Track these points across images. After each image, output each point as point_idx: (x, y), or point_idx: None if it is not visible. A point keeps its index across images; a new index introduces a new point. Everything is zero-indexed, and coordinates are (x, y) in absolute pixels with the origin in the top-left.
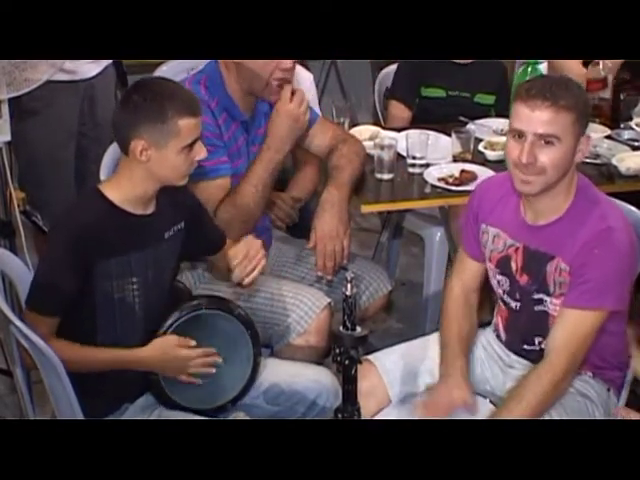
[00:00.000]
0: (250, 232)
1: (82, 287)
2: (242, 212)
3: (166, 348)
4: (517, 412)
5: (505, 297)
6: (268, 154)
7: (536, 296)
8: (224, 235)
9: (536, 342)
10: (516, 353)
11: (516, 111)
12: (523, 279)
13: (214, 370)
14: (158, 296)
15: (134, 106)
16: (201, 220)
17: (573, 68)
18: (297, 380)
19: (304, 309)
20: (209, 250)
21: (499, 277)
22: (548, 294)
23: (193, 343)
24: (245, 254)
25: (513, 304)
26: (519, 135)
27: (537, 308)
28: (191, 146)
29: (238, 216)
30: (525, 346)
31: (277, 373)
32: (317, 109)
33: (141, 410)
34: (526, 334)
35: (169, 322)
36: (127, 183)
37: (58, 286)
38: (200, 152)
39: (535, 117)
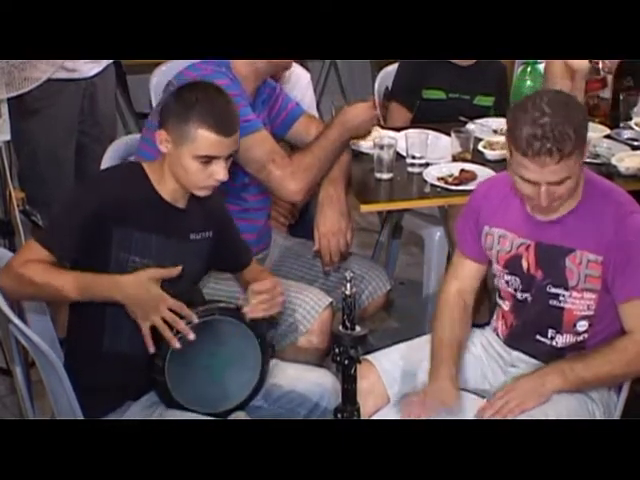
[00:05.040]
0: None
1: (99, 254)
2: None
3: (143, 279)
4: (602, 370)
5: (518, 294)
6: (334, 128)
7: (552, 290)
8: (250, 254)
9: (549, 334)
10: (521, 349)
11: (522, 164)
12: (538, 274)
13: (189, 335)
14: (171, 290)
15: (175, 100)
16: (229, 234)
17: (562, 66)
18: (299, 382)
19: (306, 308)
20: (234, 266)
21: (508, 277)
22: (566, 288)
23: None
24: (266, 291)
25: (527, 298)
26: (530, 181)
27: (552, 302)
28: (209, 160)
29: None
30: (537, 336)
31: (279, 375)
32: (314, 108)
33: (143, 408)
34: (538, 325)
35: (179, 335)
36: (161, 170)
37: (69, 229)
38: (219, 173)
39: (546, 172)
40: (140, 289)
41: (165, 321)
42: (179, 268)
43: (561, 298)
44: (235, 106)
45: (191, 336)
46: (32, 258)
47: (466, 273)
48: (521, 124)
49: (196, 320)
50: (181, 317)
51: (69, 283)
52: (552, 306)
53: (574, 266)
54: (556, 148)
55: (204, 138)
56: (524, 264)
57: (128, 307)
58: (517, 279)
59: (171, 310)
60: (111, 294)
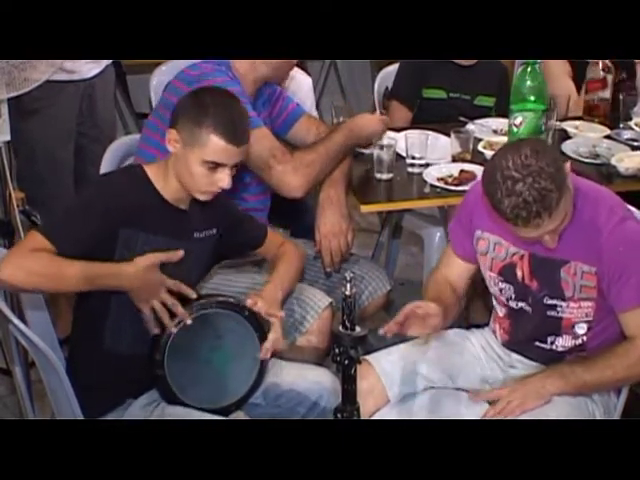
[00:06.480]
0: None
1: (104, 255)
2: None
3: (143, 264)
4: (603, 373)
5: (511, 302)
6: (342, 132)
7: (549, 302)
8: (263, 232)
9: (548, 341)
10: (521, 352)
11: (516, 230)
12: (533, 284)
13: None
14: None
15: (190, 101)
16: (237, 227)
17: (559, 67)
18: (298, 381)
19: (306, 309)
20: (251, 247)
21: (502, 285)
22: (563, 299)
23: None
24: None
25: (525, 308)
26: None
27: (549, 313)
28: (215, 167)
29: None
30: (537, 343)
31: (278, 374)
32: (314, 112)
33: (145, 406)
34: (537, 333)
35: (177, 319)
36: (164, 171)
37: (76, 230)
38: (224, 180)
39: (542, 229)
40: (141, 274)
41: (164, 306)
42: (180, 252)
43: (559, 308)
44: (248, 117)
45: (188, 321)
46: (37, 247)
47: (454, 269)
48: (499, 198)
49: (194, 295)
50: (181, 299)
51: (76, 273)
52: (550, 316)
53: (569, 277)
54: (542, 208)
55: (214, 144)
56: (518, 273)
57: (130, 292)
58: (511, 287)
59: (170, 292)
60: (115, 282)
